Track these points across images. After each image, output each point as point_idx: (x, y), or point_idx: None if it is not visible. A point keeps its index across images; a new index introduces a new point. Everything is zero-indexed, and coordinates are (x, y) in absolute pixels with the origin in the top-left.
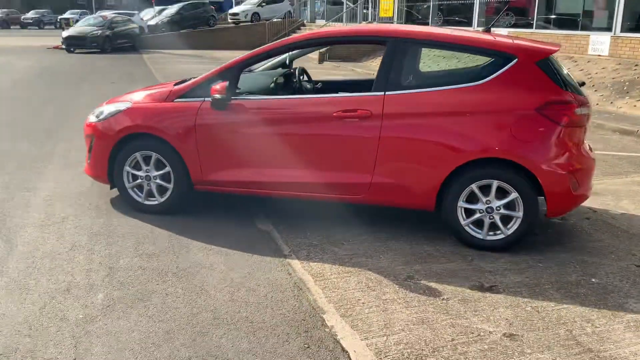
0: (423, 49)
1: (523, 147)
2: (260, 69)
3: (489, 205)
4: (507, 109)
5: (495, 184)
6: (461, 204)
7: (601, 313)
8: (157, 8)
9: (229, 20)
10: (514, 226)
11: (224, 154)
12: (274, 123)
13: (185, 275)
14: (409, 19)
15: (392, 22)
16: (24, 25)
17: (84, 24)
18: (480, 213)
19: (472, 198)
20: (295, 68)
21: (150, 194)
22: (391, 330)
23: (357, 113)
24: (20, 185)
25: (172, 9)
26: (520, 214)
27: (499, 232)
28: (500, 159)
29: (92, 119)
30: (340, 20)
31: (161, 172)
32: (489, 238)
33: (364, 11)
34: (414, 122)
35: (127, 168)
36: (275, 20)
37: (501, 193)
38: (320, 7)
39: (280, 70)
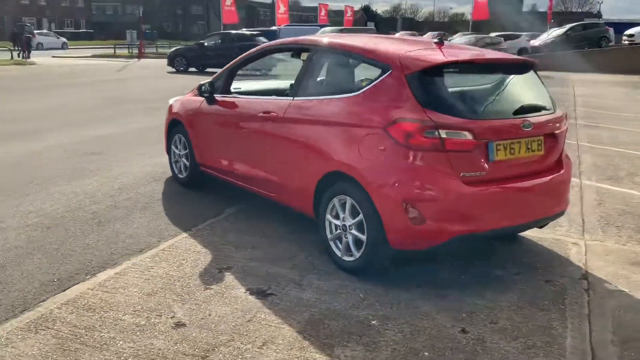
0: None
1: (365, 165)
2: None
3: (344, 223)
4: (363, 123)
5: (349, 201)
6: (328, 217)
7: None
8: (551, 30)
9: (624, 42)
10: (362, 250)
11: (208, 142)
12: (229, 119)
13: (112, 219)
14: None
15: None
16: None
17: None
18: (339, 230)
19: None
20: None
21: (180, 170)
22: (121, 292)
23: (270, 115)
24: (141, 154)
25: (561, 30)
26: (365, 237)
27: (353, 253)
28: (350, 175)
29: None
30: None
31: (185, 152)
32: (345, 258)
33: None
34: (299, 129)
35: (172, 147)
36: None
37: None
38: None
39: None
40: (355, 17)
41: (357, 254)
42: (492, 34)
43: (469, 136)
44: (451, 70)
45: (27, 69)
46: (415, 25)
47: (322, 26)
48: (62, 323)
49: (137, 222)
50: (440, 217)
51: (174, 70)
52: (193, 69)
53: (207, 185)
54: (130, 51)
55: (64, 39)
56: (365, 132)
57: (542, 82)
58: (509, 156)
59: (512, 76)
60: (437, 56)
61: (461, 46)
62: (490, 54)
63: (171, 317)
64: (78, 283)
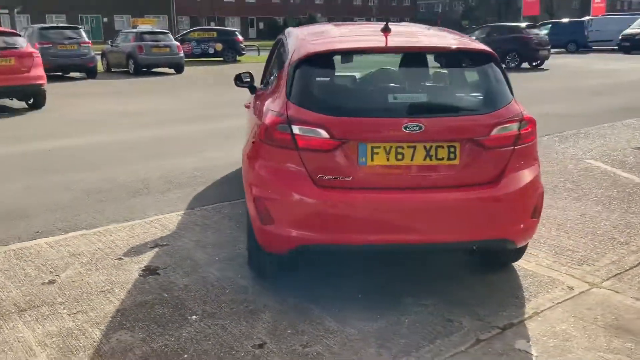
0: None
1: (246, 159)
2: None
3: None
4: (255, 116)
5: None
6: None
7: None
8: None
9: None
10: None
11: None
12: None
13: (150, 192)
14: None
15: None
16: None
17: None
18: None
19: None
20: None
21: None
22: (58, 249)
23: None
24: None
25: None
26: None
27: None
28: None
29: None
30: None
31: None
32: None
33: None
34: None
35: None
36: None
37: None
38: None
39: None
40: None
41: None
42: None
43: (324, 134)
44: (334, 60)
45: None
46: None
47: None
48: None
49: (163, 198)
50: (287, 221)
51: None
52: None
53: None
54: None
55: None
56: (255, 125)
57: (498, 77)
58: (394, 162)
59: (443, 69)
60: (322, 45)
61: (413, 33)
62: (424, 42)
63: (55, 276)
64: (47, 237)
